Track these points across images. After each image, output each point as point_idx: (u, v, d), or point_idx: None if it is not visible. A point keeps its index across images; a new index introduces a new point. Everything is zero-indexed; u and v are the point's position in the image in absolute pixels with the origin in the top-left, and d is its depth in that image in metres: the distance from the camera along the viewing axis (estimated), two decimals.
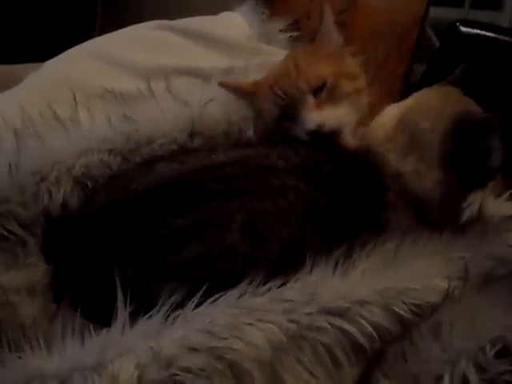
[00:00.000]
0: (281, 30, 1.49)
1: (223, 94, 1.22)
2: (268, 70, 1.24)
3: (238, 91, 1.21)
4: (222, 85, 1.21)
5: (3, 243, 1.04)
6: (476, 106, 1.07)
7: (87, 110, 1.18)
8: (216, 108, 1.19)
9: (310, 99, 1.11)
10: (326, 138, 1.09)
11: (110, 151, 1.12)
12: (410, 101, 1.12)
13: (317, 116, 1.10)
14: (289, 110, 1.13)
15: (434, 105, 1.08)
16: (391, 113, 1.10)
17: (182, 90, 1.22)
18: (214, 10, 1.57)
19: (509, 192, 1.24)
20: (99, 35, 1.52)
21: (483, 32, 1.74)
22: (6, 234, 1.05)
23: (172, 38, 1.43)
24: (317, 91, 1.12)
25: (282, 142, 1.11)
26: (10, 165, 1.06)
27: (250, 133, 1.21)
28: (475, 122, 1.00)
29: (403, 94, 1.23)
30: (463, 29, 1.74)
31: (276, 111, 1.14)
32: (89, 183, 1.09)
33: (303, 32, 1.51)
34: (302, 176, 0.99)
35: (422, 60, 1.78)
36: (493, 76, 1.57)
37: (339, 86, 1.13)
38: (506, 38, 1.72)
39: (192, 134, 1.16)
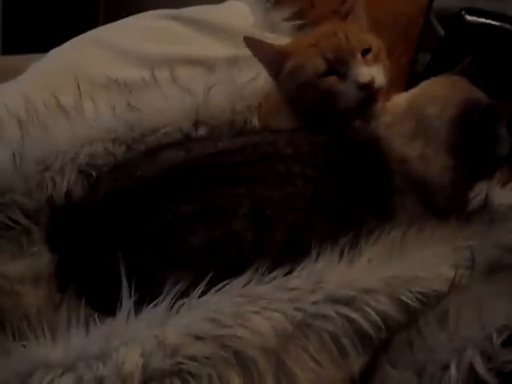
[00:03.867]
0: (285, 19, 1.49)
1: (228, 83, 1.21)
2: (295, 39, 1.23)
3: (267, 50, 1.15)
4: (248, 40, 1.14)
5: (8, 232, 1.05)
6: (483, 94, 1.07)
7: (91, 99, 1.18)
8: (221, 97, 1.19)
9: (360, 56, 1.10)
10: (370, 98, 1.10)
11: (114, 140, 1.12)
12: (418, 89, 1.12)
13: (368, 70, 1.10)
14: (337, 65, 1.10)
15: (442, 92, 1.08)
16: (399, 99, 1.10)
17: (186, 79, 1.22)
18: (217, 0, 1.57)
19: None
20: (103, 24, 1.52)
21: (489, 21, 1.73)
22: (10, 223, 1.06)
23: (176, 27, 1.43)
24: (363, 53, 1.12)
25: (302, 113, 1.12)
26: (14, 154, 1.06)
27: (255, 122, 1.21)
28: (484, 108, 1.00)
29: (408, 84, 1.23)
30: (468, 17, 1.73)
31: (323, 66, 1.10)
32: (93, 172, 1.09)
33: (307, 20, 1.51)
34: (309, 162, 0.98)
35: (427, 49, 1.78)
36: (499, 65, 1.56)
37: (380, 54, 1.14)
38: None
39: (197, 124, 1.16)
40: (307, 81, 1.12)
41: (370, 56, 1.12)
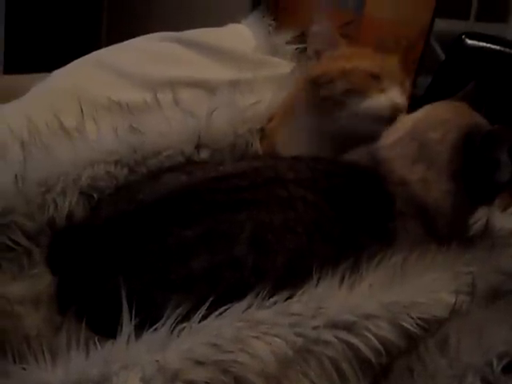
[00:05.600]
0: (287, 42, 1.49)
1: (230, 106, 1.22)
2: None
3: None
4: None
5: (9, 254, 1.05)
6: (485, 120, 1.08)
7: (94, 121, 1.18)
8: (223, 121, 1.20)
9: None
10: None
11: (117, 163, 1.12)
12: (420, 112, 1.12)
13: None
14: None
15: (444, 117, 1.08)
16: (402, 122, 1.11)
17: (188, 102, 1.22)
18: (219, 20, 1.57)
19: None
20: (105, 45, 1.52)
21: (489, 45, 1.74)
22: (11, 244, 1.05)
23: (178, 50, 1.43)
24: None
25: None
26: (15, 176, 1.06)
27: (257, 145, 1.21)
28: (485, 134, 1.01)
29: (408, 107, 1.24)
30: (469, 41, 1.74)
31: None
32: (95, 195, 1.10)
33: None
34: (311, 187, 0.99)
35: (427, 73, 1.78)
36: (499, 89, 1.57)
37: None
38: None
39: (199, 147, 1.16)
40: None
41: None
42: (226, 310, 0.84)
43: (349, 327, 0.84)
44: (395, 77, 1.20)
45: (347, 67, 1.18)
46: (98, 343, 0.82)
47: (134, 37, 1.49)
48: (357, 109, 1.16)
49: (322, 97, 1.18)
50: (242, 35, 1.50)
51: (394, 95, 1.17)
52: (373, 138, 1.11)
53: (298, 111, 1.23)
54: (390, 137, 1.09)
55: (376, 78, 1.17)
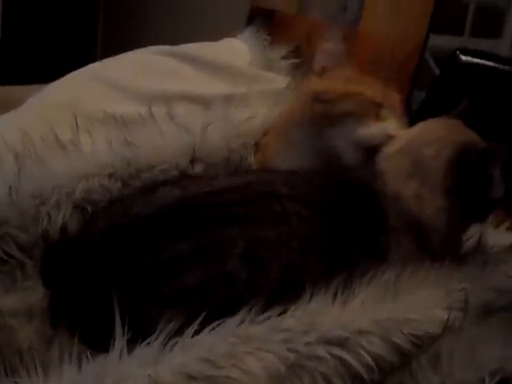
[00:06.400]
0: (282, 57, 1.50)
1: (224, 121, 1.22)
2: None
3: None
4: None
5: (2, 266, 1.04)
6: (478, 137, 1.08)
7: (88, 134, 1.18)
8: (217, 135, 1.20)
9: None
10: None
11: (111, 176, 1.12)
12: (415, 129, 1.13)
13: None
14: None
15: (438, 134, 1.09)
16: (398, 137, 1.12)
17: (183, 116, 1.22)
18: (215, 34, 1.58)
19: (508, 222, 1.24)
20: (100, 58, 1.52)
21: (483, 61, 1.75)
22: (4, 256, 1.05)
23: (173, 64, 1.43)
24: None
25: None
26: (10, 188, 1.06)
27: (251, 160, 1.22)
28: (479, 151, 1.01)
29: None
30: (463, 57, 1.75)
31: None
32: (89, 208, 1.09)
33: (304, 58, 1.52)
34: (306, 202, 0.99)
35: (421, 88, 1.79)
36: (493, 106, 1.58)
37: None
38: (506, 68, 1.73)
39: (193, 161, 1.16)
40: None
41: None
42: (218, 325, 0.84)
43: (341, 343, 0.84)
44: (395, 110, 1.20)
45: (353, 90, 1.18)
46: (90, 357, 0.82)
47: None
48: (352, 132, 1.16)
49: (318, 113, 1.18)
50: (237, 50, 1.50)
51: (389, 126, 1.17)
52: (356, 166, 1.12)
53: (295, 125, 1.23)
54: (390, 149, 1.10)
55: (378, 107, 1.17)
